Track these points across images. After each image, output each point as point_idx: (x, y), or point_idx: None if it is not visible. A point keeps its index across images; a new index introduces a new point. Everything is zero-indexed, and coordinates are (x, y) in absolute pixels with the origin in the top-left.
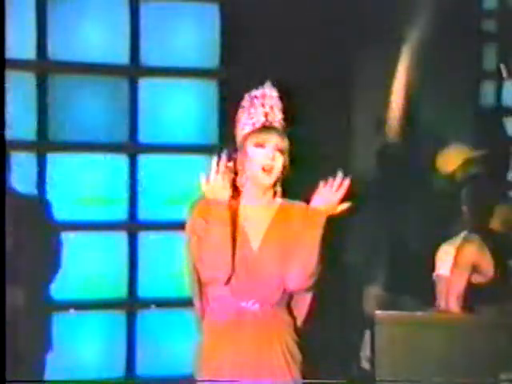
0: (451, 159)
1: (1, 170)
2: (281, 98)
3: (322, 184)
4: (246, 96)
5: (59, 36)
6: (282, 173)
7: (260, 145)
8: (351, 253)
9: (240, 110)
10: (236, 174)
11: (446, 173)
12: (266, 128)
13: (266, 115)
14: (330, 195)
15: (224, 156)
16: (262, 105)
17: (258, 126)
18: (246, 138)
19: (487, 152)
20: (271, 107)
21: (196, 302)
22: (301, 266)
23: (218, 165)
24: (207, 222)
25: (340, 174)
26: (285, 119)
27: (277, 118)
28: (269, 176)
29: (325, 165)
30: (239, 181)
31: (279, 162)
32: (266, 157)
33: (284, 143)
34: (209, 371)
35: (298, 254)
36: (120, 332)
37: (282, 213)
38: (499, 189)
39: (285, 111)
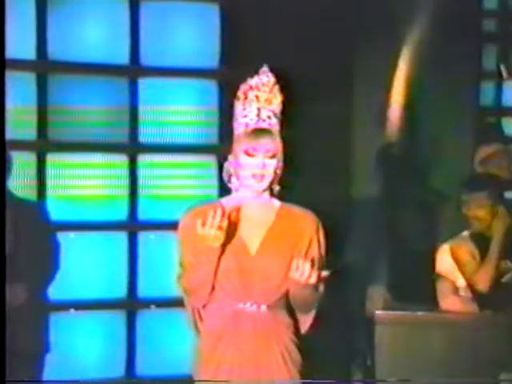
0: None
1: (1, 170)
2: (279, 81)
3: (293, 267)
4: (241, 86)
5: (59, 36)
6: (276, 175)
7: (249, 154)
8: (351, 252)
9: (236, 103)
10: (230, 176)
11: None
12: (257, 132)
13: (259, 111)
14: (301, 280)
15: (220, 210)
16: (256, 97)
17: (250, 127)
18: (237, 140)
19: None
20: (266, 100)
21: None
22: (305, 312)
23: (214, 217)
24: (198, 253)
25: (308, 263)
26: (282, 109)
27: (271, 111)
28: (260, 183)
29: (325, 164)
30: (233, 184)
31: (270, 168)
32: (255, 166)
33: (276, 146)
34: (207, 373)
35: (300, 308)
36: (120, 332)
37: (282, 216)
38: (498, 189)
39: (283, 98)
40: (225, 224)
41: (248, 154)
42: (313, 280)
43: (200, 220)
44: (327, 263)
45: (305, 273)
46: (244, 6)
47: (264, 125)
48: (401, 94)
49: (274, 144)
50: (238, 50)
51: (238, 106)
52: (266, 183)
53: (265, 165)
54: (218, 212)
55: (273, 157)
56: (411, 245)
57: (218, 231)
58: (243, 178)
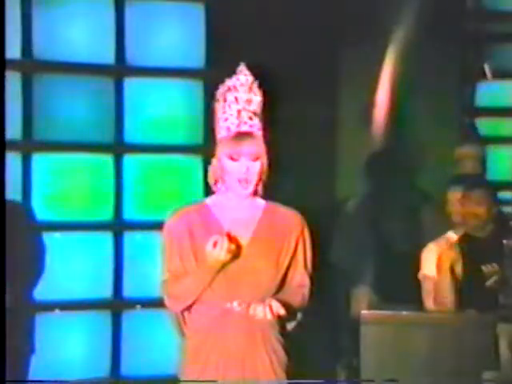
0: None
1: (1, 170)
2: (259, 79)
3: (250, 311)
4: (220, 88)
5: (45, 36)
6: (261, 177)
7: (233, 158)
8: (337, 252)
9: (215, 105)
10: (216, 180)
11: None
12: (240, 136)
13: (240, 114)
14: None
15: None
16: (236, 99)
17: (232, 131)
18: (220, 144)
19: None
20: (246, 100)
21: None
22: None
23: (222, 243)
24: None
25: (260, 306)
26: (263, 108)
27: (251, 112)
28: (245, 187)
29: (310, 164)
30: (219, 188)
31: (254, 171)
32: (239, 170)
33: (259, 148)
34: (193, 373)
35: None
36: (105, 332)
37: (268, 215)
38: (489, 191)
39: (264, 96)
40: (233, 247)
41: (231, 159)
42: (269, 317)
43: (212, 240)
44: (314, 263)
45: (259, 314)
46: (229, 6)
47: (245, 128)
48: (386, 95)
49: (257, 146)
50: (224, 50)
51: (219, 109)
52: (251, 188)
53: (248, 168)
54: (225, 240)
55: (256, 159)
56: (396, 245)
57: (227, 254)
58: (229, 183)
